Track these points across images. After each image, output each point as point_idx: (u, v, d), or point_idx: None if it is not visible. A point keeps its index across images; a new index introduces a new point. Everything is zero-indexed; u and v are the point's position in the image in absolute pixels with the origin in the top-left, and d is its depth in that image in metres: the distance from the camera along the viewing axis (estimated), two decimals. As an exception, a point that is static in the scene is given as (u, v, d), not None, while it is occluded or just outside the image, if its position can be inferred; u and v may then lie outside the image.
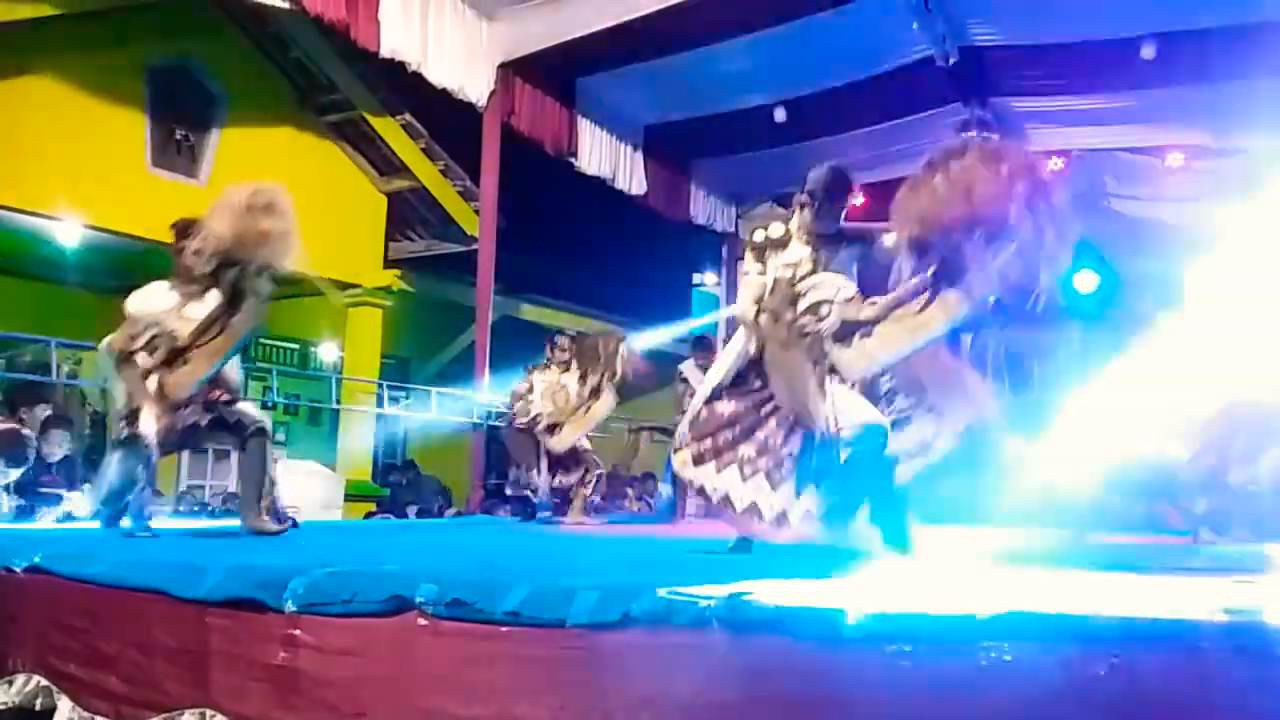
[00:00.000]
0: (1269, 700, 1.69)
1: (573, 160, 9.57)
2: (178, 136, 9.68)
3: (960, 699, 1.85)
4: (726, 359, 3.89)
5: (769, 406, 3.67)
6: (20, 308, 10.21)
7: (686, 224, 11.40)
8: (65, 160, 8.68)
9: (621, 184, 10.12)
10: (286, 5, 7.52)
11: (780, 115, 9.58)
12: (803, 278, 3.77)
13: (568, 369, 7.99)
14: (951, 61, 8.53)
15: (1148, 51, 7.95)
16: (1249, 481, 5.33)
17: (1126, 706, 1.75)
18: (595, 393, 7.62)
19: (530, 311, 13.33)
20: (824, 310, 3.66)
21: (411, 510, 10.59)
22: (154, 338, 4.32)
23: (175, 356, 4.29)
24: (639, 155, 10.30)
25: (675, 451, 3.81)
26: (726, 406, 3.72)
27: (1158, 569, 3.19)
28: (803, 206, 3.91)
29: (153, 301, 4.45)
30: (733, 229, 12.06)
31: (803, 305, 3.70)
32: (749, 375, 3.78)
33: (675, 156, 10.81)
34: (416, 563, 3.30)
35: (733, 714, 2.00)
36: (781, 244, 3.83)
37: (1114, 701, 1.75)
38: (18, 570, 3.13)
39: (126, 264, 10.34)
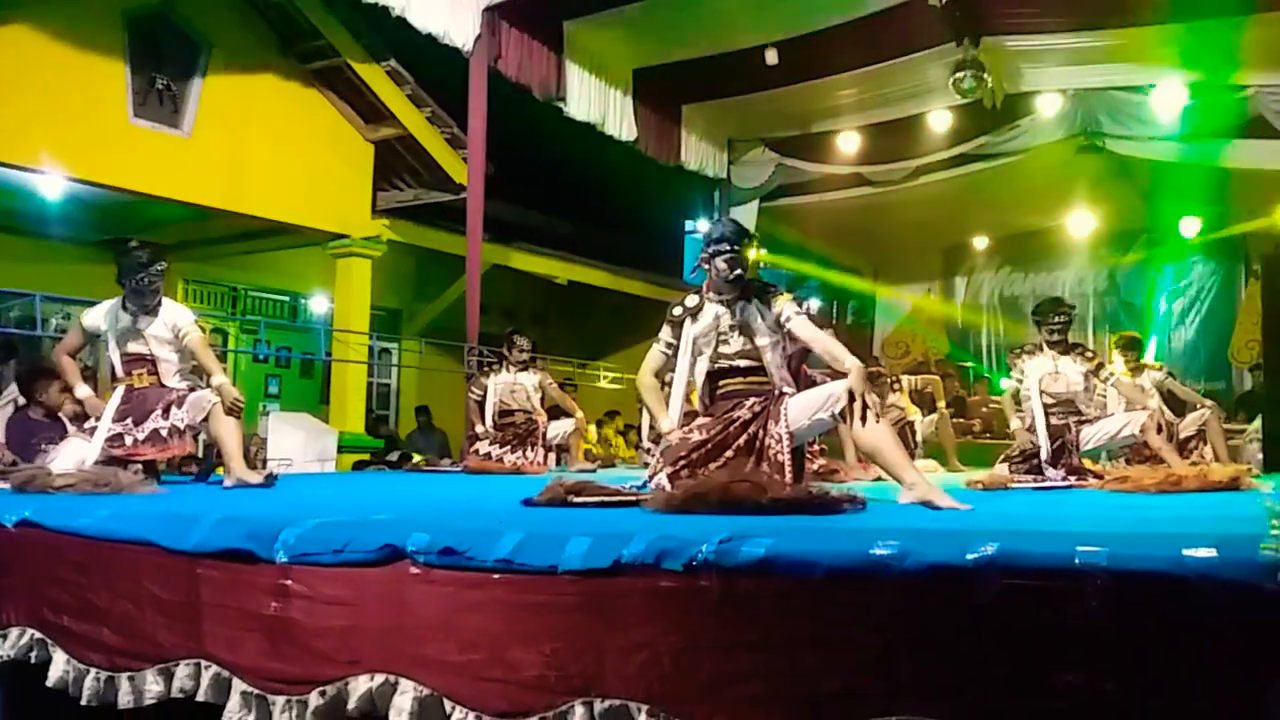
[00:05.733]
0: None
1: (561, 105, 9.45)
2: (159, 86, 9.49)
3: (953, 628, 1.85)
4: (678, 391, 4.11)
5: (734, 427, 3.87)
6: (4, 262, 10.10)
7: (678, 169, 11.30)
8: (46, 112, 8.52)
9: (611, 129, 9.99)
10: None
11: (772, 57, 9.44)
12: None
13: (526, 369, 8.03)
14: (943, 1, 8.40)
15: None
16: None
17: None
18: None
19: (521, 260, 13.23)
20: None
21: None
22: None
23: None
24: (628, 100, 10.16)
25: (652, 474, 3.95)
26: (696, 433, 3.94)
27: None
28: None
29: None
30: (725, 174, 11.96)
31: None
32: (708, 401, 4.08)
33: (666, 101, 10.67)
34: (408, 512, 3.30)
35: (725, 658, 2.00)
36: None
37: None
38: (8, 525, 3.12)
39: (111, 216, 10.25)
